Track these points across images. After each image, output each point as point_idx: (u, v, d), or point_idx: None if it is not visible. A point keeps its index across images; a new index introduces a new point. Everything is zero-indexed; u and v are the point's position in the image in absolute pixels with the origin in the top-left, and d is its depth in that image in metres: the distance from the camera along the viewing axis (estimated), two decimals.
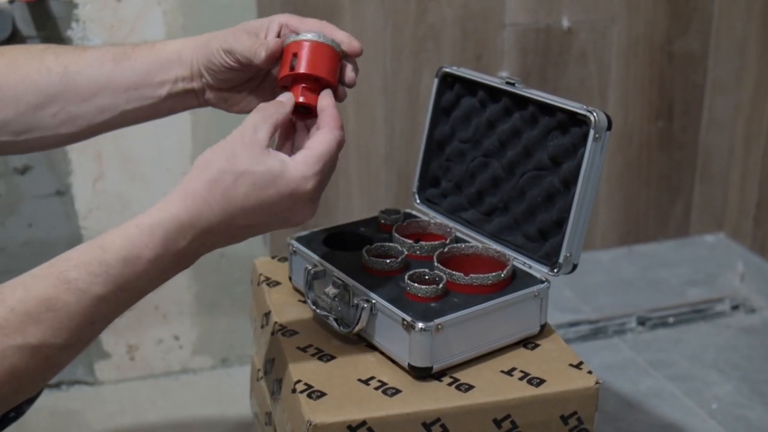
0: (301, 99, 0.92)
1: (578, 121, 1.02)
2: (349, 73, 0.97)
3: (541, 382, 0.97)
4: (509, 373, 0.99)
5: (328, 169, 0.86)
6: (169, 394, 1.65)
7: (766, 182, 1.90)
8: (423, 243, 1.10)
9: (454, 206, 1.19)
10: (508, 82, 1.10)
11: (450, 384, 0.96)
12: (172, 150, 1.63)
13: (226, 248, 1.68)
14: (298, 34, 0.94)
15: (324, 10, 1.64)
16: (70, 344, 0.77)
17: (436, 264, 1.03)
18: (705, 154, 1.99)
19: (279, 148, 0.92)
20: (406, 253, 1.06)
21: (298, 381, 0.96)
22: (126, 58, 0.98)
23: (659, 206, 2.00)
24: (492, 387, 0.96)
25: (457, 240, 1.13)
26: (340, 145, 0.88)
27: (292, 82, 0.93)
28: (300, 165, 0.84)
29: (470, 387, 0.96)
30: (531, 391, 0.96)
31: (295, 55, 0.92)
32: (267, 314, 1.12)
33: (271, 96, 0.97)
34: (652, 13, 1.83)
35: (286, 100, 0.90)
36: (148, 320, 1.69)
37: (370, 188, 1.78)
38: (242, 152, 0.82)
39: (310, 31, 0.95)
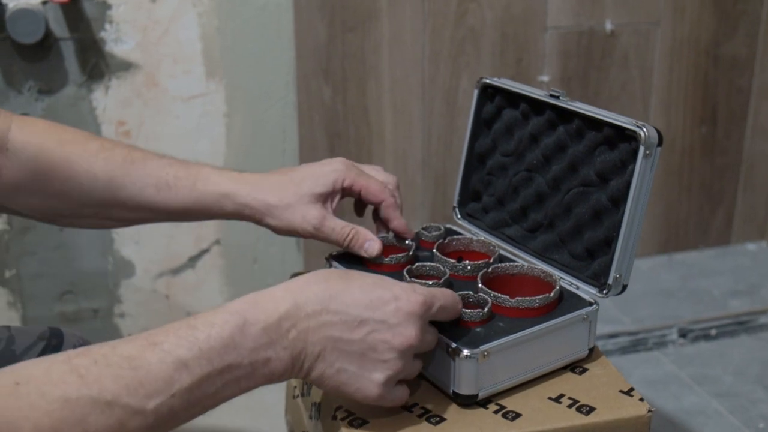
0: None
1: (627, 136, 0.98)
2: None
3: (591, 410, 0.93)
4: (557, 400, 0.95)
5: (428, 311, 0.88)
6: None
7: None
8: (467, 262, 1.06)
9: (497, 222, 1.15)
10: (552, 95, 1.06)
11: (496, 412, 0.93)
12: (205, 155, 1.60)
13: (259, 253, 1.67)
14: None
15: (362, 12, 1.60)
16: (144, 410, 0.72)
17: (480, 286, 0.99)
18: (749, 161, 1.93)
19: None
20: (449, 273, 1.03)
21: (339, 407, 0.92)
22: (167, 189, 1.02)
23: (700, 214, 1.95)
24: (540, 415, 0.92)
25: (501, 259, 1.09)
26: (456, 311, 0.93)
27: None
28: (407, 289, 0.87)
29: (517, 415, 0.92)
30: (580, 420, 0.92)
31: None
32: None
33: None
34: (697, 15, 1.78)
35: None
36: None
37: (407, 194, 1.75)
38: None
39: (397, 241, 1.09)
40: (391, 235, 1.09)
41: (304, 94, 1.63)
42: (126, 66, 1.53)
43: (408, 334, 0.83)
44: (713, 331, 1.70)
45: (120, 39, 1.52)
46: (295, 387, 1.17)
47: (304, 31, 1.59)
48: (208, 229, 1.65)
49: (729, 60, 1.84)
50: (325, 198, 1.03)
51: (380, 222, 1.10)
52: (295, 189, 1.02)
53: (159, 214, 1.04)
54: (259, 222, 1.04)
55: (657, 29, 1.76)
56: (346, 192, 1.05)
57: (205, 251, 1.67)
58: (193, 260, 1.67)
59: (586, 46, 1.74)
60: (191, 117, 1.58)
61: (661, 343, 1.67)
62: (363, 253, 1.03)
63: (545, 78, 1.73)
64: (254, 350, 0.78)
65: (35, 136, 1.01)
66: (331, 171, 1.04)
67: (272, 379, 0.80)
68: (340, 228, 1.02)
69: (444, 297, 0.89)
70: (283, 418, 1.31)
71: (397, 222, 1.08)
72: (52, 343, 0.97)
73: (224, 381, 0.76)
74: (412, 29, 1.65)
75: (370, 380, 0.84)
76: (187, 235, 1.64)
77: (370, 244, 1.03)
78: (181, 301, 1.68)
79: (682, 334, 1.69)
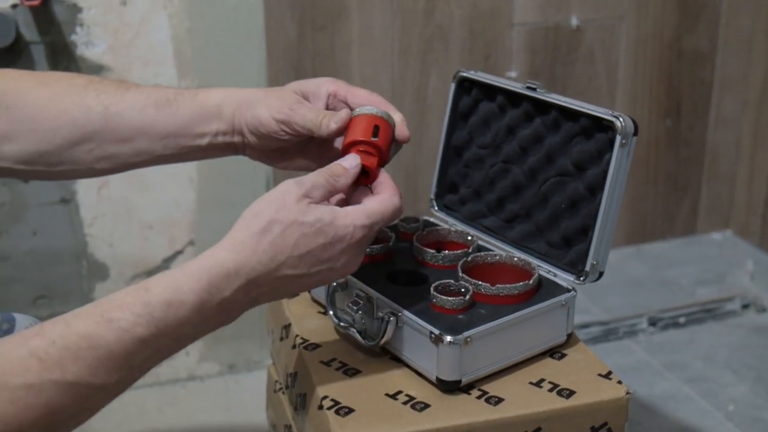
0: (365, 163, 0.92)
1: (603, 126, 1.01)
2: (391, 152, 0.99)
3: (571, 393, 0.96)
4: (538, 384, 0.97)
5: (378, 228, 0.87)
6: (176, 402, 1.62)
7: None
8: (446, 252, 1.08)
9: (474, 213, 1.17)
10: (529, 87, 1.08)
11: (479, 397, 0.94)
12: None
13: None
14: (372, 106, 0.95)
15: (331, 10, 1.61)
16: (106, 385, 0.75)
17: (461, 274, 1.01)
18: (712, 152, 1.98)
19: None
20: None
21: (325, 397, 0.94)
22: (168, 105, 0.98)
23: (666, 205, 1.99)
24: (522, 399, 0.94)
25: (479, 248, 1.11)
26: (396, 212, 0.89)
27: (350, 146, 0.93)
28: (350, 214, 0.85)
29: (500, 400, 0.94)
30: (561, 403, 0.94)
31: (377, 126, 0.94)
32: (287, 327, 1.10)
33: (318, 156, 1.00)
34: (660, 10, 1.81)
35: (352, 167, 0.90)
36: None
37: None
38: (293, 204, 0.83)
39: (374, 107, 0.96)
40: (389, 117, 0.97)
41: None
42: (97, 69, 1.53)
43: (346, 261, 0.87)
44: (682, 319, 1.74)
45: (91, 42, 1.51)
46: (277, 381, 1.18)
47: (275, 31, 1.60)
48: (182, 230, 1.65)
49: (691, 53, 1.88)
50: (307, 96, 0.99)
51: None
52: (280, 87, 1.00)
53: (153, 141, 0.99)
54: (243, 133, 0.98)
55: (621, 24, 1.80)
56: (331, 99, 0.99)
57: (179, 252, 1.67)
58: (167, 262, 1.67)
59: (552, 41, 1.76)
60: None
61: (631, 332, 1.70)
62: (332, 125, 0.94)
63: (513, 74, 1.75)
64: (210, 319, 0.81)
65: (11, 81, 0.97)
66: (316, 78, 1.01)
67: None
68: (317, 111, 0.96)
69: (312, 180, 0.86)
70: (264, 413, 1.32)
71: (396, 115, 0.99)
72: (3, 327, 0.97)
73: (183, 344, 0.81)
74: (382, 27, 1.66)
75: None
76: (160, 237, 1.65)
77: (339, 114, 0.95)
78: None
79: (652, 322, 1.72)
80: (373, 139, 0.93)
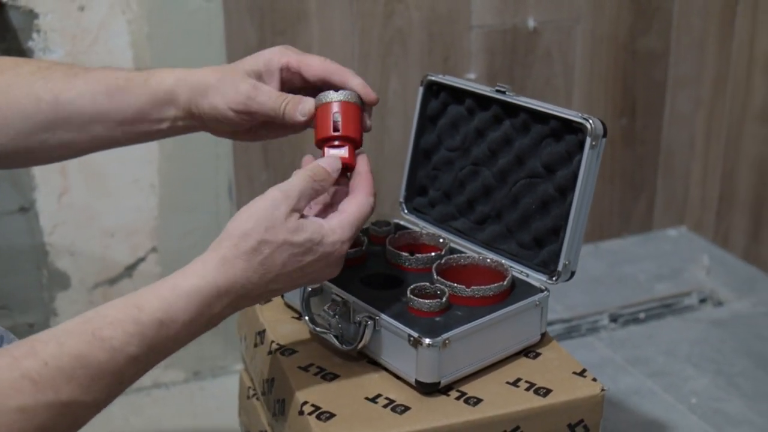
0: (344, 161, 0.93)
1: (573, 128, 1.02)
2: (366, 121, 0.98)
3: (548, 392, 0.97)
4: (515, 384, 0.98)
5: (357, 231, 0.89)
6: (141, 410, 1.61)
7: (728, 176, 1.94)
8: (419, 255, 1.09)
9: (444, 215, 1.18)
10: (498, 90, 1.10)
11: (458, 398, 0.95)
12: (138, 161, 1.59)
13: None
14: (330, 91, 0.94)
15: (291, 15, 1.61)
16: (97, 402, 0.75)
17: (436, 277, 1.02)
18: (667, 150, 2.01)
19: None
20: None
21: (305, 402, 0.94)
22: (119, 92, 0.95)
23: (623, 202, 2.02)
24: (500, 399, 0.96)
25: (452, 251, 1.12)
26: (372, 211, 0.91)
27: (323, 141, 0.94)
28: (337, 230, 0.87)
29: (479, 400, 0.95)
30: (539, 402, 0.96)
31: (337, 114, 0.93)
32: (261, 332, 1.10)
33: (281, 127, 0.97)
34: (615, 12, 1.84)
35: (334, 171, 0.91)
36: None
37: None
38: (281, 222, 0.83)
39: (335, 88, 0.95)
40: (351, 95, 0.95)
41: None
42: None
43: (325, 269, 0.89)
44: (642, 315, 1.77)
45: (48, 48, 1.49)
46: (250, 387, 1.18)
47: (235, 35, 1.60)
48: (144, 236, 1.64)
49: (646, 54, 1.91)
50: (259, 76, 0.96)
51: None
52: (232, 68, 0.96)
53: (111, 127, 0.96)
54: (198, 114, 0.96)
55: (578, 26, 1.82)
56: (285, 73, 0.97)
57: (142, 259, 1.65)
58: (129, 269, 1.65)
59: (510, 43, 1.78)
60: None
61: (593, 328, 1.73)
62: (300, 117, 0.94)
63: (472, 75, 1.77)
64: (201, 326, 0.82)
65: None
66: (266, 51, 0.97)
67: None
68: (276, 96, 0.94)
69: (297, 191, 0.86)
70: (232, 419, 1.31)
71: (355, 81, 0.96)
72: None
73: (172, 352, 0.82)
74: (341, 31, 1.67)
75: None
76: (122, 244, 1.63)
77: (303, 104, 0.94)
78: None
79: (613, 319, 1.75)
80: (345, 133, 0.93)
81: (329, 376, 0.99)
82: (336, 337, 1.01)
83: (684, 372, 1.57)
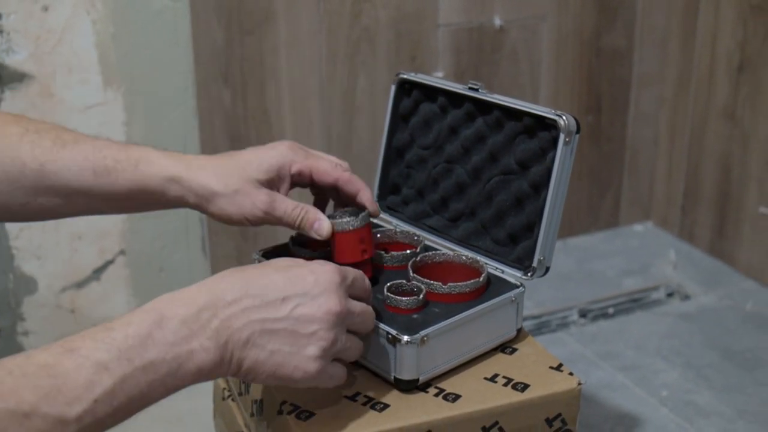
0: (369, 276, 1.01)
1: (546, 125, 1.03)
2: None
3: (526, 386, 0.98)
4: (492, 379, 0.99)
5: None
6: None
7: (692, 172, 1.96)
8: (394, 253, 1.09)
9: (418, 213, 1.18)
10: (471, 88, 1.10)
11: (437, 395, 0.96)
12: None
13: (165, 261, 1.65)
14: (346, 216, 1.01)
15: (258, 15, 1.60)
16: (64, 418, 0.69)
17: (412, 274, 1.02)
18: (632, 147, 2.03)
19: None
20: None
21: (284, 402, 0.93)
22: (106, 173, 0.95)
23: (590, 199, 2.04)
24: (478, 395, 0.96)
25: (426, 248, 1.12)
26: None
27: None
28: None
29: (457, 396, 0.95)
30: (517, 397, 0.96)
31: (363, 242, 1.01)
32: None
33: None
34: (580, 9, 1.86)
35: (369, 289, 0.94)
36: None
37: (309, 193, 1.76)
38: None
39: (351, 211, 1.03)
40: (365, 217, 1.02)
41: (204, 99, 1.62)
42: (19, 77, 1.49)
43: (331, 302, 0.84)
44: (611, 310, 1.78)
45: (11, 49, 1.47)
46: (224, 389, 1.17)
47: (202, 35, 1.59)
48: (112, 239, 1.62)
49: (610, 52, 1.93)
50: (271, 183, 0.99)
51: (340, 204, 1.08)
52: (240, 174, 0.97)
53: (96, 202, 0.97)
54: (202, 210, 0.98)
55: (543, 24, 1.84)
56: (296, 178, 1.02)
57: (110, 262, 1.64)
58: (97, 272, 1.64)
59: (477, 41, 1.79)
60: (90, 127, 1.55)
61: (563, 324, 1.74)
62: (314, 235, 0.99)
63: (439, 74, 1.77)
64: (175, 344, 0.76)
65: None
66: (276, 155, 1.00)
67: (201, 375, 0.78)
68: (291, 209, 0.98)
69: (354, 272, 0.90)
70: (205, 422, 1.30)
71: (366, 195, 1.03)
72: None
73: (148, 380, 0.74)
74: (309, 30, 1.66)
75: (305, 356, 0.83)
76: (90, 247, 1.61)
77: (319, 224, 0.99)
78: (87, 314, 1.64)
79: (583, 314, 1.76)
80: (371, 256, 1.03)
81: None
82: None
83: (654, 365, 1.59)
